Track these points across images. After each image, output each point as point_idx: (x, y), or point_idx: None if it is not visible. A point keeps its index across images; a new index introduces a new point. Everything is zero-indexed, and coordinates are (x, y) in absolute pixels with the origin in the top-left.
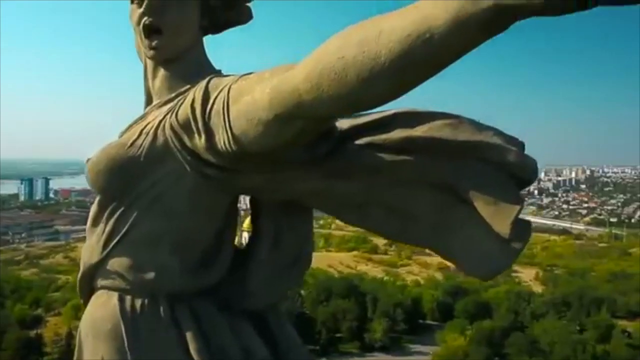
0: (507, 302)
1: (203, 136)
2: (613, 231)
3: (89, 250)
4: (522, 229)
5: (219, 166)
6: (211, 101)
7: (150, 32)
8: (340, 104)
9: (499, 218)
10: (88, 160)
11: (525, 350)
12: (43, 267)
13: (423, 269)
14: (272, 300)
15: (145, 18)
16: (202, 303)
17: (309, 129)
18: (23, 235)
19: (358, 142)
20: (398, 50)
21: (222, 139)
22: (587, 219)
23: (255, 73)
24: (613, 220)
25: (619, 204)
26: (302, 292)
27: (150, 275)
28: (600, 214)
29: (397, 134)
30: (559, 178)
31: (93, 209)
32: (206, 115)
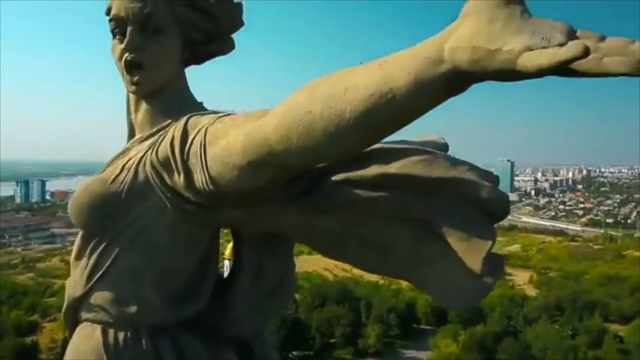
0: (501, 307)
1: (182, 175)
2: (609, 232)
3: (72, 283)
4: (494, 263)
5: (198, 203)
6: (189, 141)
7: (131, 67)
8: (308, 156)
9: (470, 254)
10: (70, 195)
11: (517, 357)
12: (39, 271)
13: None
14: (254, 327)
15: (127, 54)
16: (184, 334)
17: (282, 175)
18: (19, 238)
19: (334, 178)
20: (362, 108)
21: (199, 179)
22: (583, 219)
23: (231, 117)
24: (609, 220)
25: (615, 204)
26: (297, 296)
27: (133, 308)
28: (596, 215)
29: (372, 170)
30: (556, 178)
31: (77, 243)
32: (184, 155)
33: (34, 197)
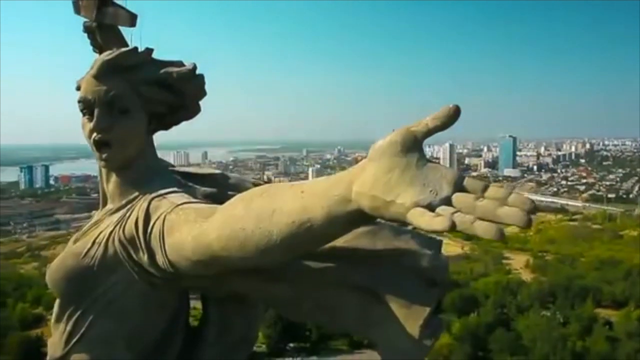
0: (494, 296)
1: (146, 254)
2: (608, 211)
3: (53, 346)
4: (434, 326)
5: (163, 277)
6: (151, 224)
7: (100, 146)
8: (247, 263)
9: (410, 320)
10: (48, 267)
11: (508, 347)
12: (44, 260)
13: None
14: None
15: (95, 134)
16: None
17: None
18: (24, 225)
19: None
20: (286, 232)
21: (160, 260)
22: (585, 195)
23: (184, 210)
24: (611, 196)
25: (618, 179)
26: None
27: None
28: (598, 190)
29: None
30: (559, 153)
31: (55, 307)
32: (147, 236)
33: (38, 183)
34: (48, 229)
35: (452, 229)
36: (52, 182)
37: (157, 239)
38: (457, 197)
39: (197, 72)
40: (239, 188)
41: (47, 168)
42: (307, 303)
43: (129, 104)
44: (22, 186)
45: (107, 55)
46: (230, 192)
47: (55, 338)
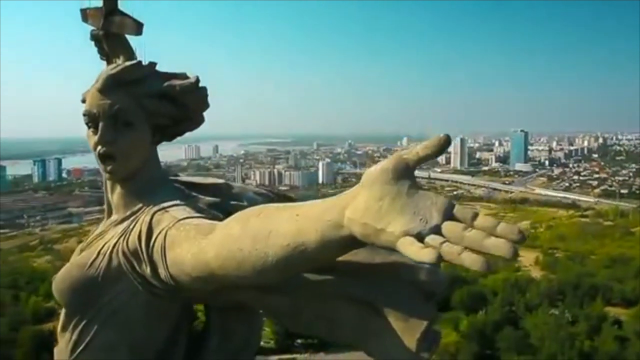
0: (503, 293)
1: (149, 266)
2: (620, 207)
3: (59, 353)
4: (431, 339)
5: (165, 289)
6: (153, 238)
7: (104, 158)
8: (244, 281)
9: (407, 333)
10: (54, 278)
11: (515, 346)
12: (57, 254)
13: None
14: None
15: (99, 147)
16: None
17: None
18: (37, 218)
19: None
20: (281, 254)
21: (162, 273)
22: (597, 190)
23: (185, 226)
24: (624, 191)
25: (631, 174)
26: None
27: None
28: (611, 185)
29: None
30: (571, 147)
31: (61, 317)
32: (149, 250)
33: (51, 176)
34: (61, 222)
35: (440, 260)
36: (64, 175)
37: (158, 253)
38: (447, 226)
39: (200, 84)
40: (242, 197)
41: (59, 161)
42: (306, 314)
43: (133, 118)
44: (36, 179)
45: (111, 69)
46: (233, 202)
47: (61, 346)
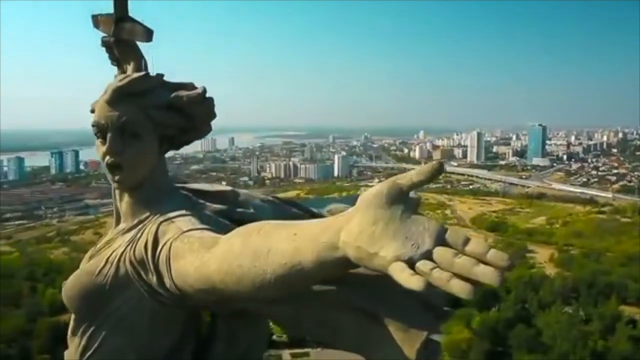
0: (516, 290)
1: (154, 275)
2: (639, 203)
3: (69, 357)
4: (431, 350)
5: (170, 298)
6: (159, 248)
7: (112, 168)
8: (243, 296)
9: (407, 343)
10: (64, 284)
11: (527, 344)
12: (73, 245)
13: None
14: None
15: (108, 157)
16: None
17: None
18: (55, 209)
19: None
20: (279, 272)
21: (168, 283)
22: (616, 186)
23: (189, 239)
24: None
25: None
26: None
27: None
28: (630, 181)
29: None
30: (590, 142)
31: (71, 322)
32: (155, 259)
33: (68, 168)
34: (78, 214)
35: (428, 288)
36: (81, 167)
37: (164, 263)
38: (438, 252)
39: (207, 95)
40: (248, 205)
41: (77, 153)
42: (308, 321)
43: (140, 129)
44: (53, 171)
45: (119, 81)
46: (239, 210)
47: (71, 350)
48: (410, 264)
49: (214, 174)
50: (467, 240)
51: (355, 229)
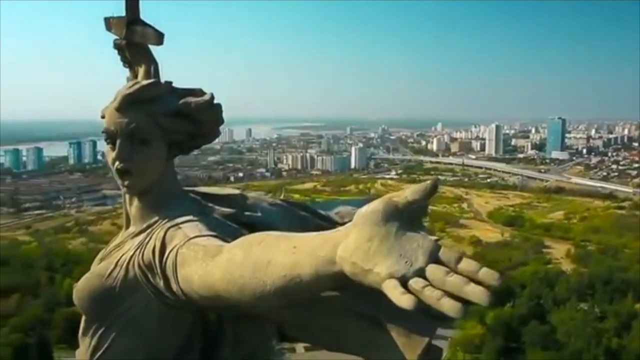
0: (531, 286)
1: (162, 280)
2: None
3: (80, 356)
4: (432, 356)
5: (177, 301)
6: (166, 254)
7: (122, 174)
8: (245, 305)
9: (409, 349)
10: (75, 286)
11: (540, 341)
12: (91, 236)
13: (455, 243)
14: None
15: (117, 163)
16: None
17: None
18: (73, 200)
19: None
20: (278, 283)
21: (174, 287)
22: (637, 180)
23: (195, 246)
24: None
25: None
26: None
27: None
28: None
29: None
30: (610, 135)
31: (82, 323)
32: (162, 264)
33: (86, 158)
34: (95, 204)
35: (419, 305)
36: (99, 157)
37: (171, 269)
38: (430, 270)
39: (215, 101)
40: (257, 208)
41: (94, 144)
42: (311, 326)
43: (149, 135)
44: (71, 161)
45: (128, 88)
46: (247, 213)
47: (82, 349)
48: (403, 281)
49: (231, 165)
50: (459, 259)
51: (351, 245)
